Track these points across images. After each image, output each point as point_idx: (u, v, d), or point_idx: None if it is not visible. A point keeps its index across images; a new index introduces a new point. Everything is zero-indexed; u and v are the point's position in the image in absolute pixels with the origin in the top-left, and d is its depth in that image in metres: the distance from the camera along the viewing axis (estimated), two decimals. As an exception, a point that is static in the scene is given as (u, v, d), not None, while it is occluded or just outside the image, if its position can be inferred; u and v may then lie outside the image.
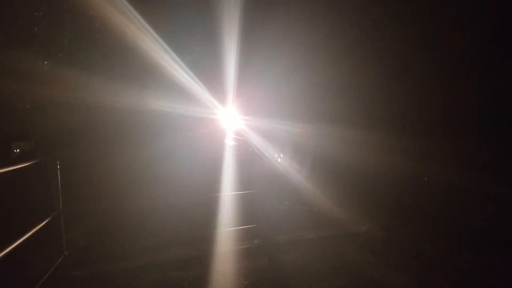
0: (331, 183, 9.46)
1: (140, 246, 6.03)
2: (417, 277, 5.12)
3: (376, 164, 9.68)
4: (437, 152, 9.43)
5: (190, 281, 4.94)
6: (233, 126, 11.79)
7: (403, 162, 9.27)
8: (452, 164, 9.01)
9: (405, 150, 9.47)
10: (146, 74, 9.20)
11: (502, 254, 5.91)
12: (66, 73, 7.96)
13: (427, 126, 9.98)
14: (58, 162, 5.39)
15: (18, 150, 7.33)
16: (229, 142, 11.30)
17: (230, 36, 10.32)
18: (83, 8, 8.09)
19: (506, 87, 9.13)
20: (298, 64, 10.83)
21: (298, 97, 11.12)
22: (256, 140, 11.14)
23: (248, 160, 10.23)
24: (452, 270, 5.33)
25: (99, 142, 8.11)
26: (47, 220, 4.85)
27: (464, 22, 9.41)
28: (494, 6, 9.14)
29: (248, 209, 7.70)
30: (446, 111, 10.01)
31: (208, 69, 10.59)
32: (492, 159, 8.97)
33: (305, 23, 10.52)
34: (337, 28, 10.34)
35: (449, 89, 9.90)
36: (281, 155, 10.99)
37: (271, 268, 5.40)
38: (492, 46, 9.32)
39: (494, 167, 8.75)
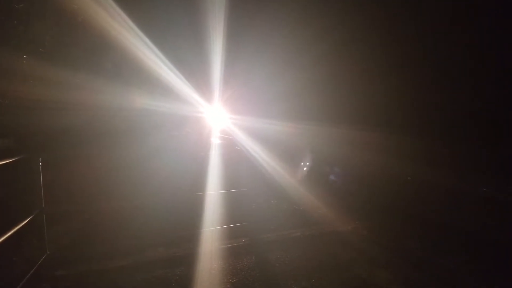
0: (317, 181, 9.51)
1: (126, 245, 5.92)
2: (403, 275, 5.18)
3: (363, 163, 9.77)
4: (423, 152, 9.57)
5: (177, 280, 4.88)
6: (220, 125, 11.75)
7: (389, 161, 9.37)
8: (437, 164, 9.15)
9: (392, 149, 9.58)
10: (131, 72, 9.07)
11: (487, 254, 6.04)
12: (49, 69, 7.78)
13: (413, 126, 10.11)
14: (40, 159, 5.25)
15: (-3, 147, 7.13)
16: (216, 141, 11.25)
17: (217, 33, 10.27)
18: (65, 3, 7.90)
19: (495, 89, 9.31)
20: (285, 63, 10.86)
21: (285, 96, 11.14)
22: (243, 139, 11.11)
23: (235, 158, 10.20)
24: (438, 268, 5.41)
25: (83, 140, 7.95)
26: (29, 218, 4.71)
27: (454, 22, 9.55)
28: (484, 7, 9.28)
29: (235, 207, 7.67)
30: (432, 111, 10.16)
31: (194, 67, 10.52)
32: (477, 160, 9.14)
33: (293, 22, 10.55)
34: (325, 27, 10.39)
35: (435, 89, 10.05)
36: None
37: (258, 266, 5.38)
38: (482, 47, 9.48)
39: (480, 168, 8.92)
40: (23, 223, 4.52)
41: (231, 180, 9.00)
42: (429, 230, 7.14)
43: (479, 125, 9.50)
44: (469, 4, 9.34)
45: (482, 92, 9.41)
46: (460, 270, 5.37)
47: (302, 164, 10.54)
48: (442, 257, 5.79)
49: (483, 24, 9.27)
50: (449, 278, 5.15)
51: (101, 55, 8.75)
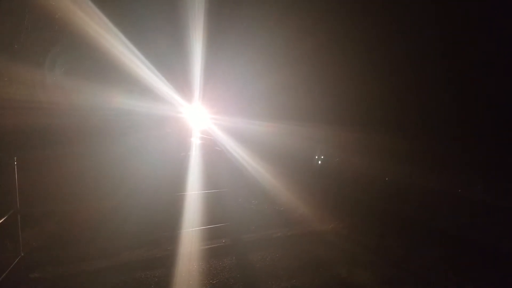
0: (297, 181, 9.56)
1: (103, 247, 5.80)
2: (383, 273, 5.27)
3: (343, 163, 9.88)
4: (401, 152, 9.74)
5: (156, 281, 4.83)
6: (200, 125, 11.67)
7: (369, 162, 9.52)
8: (415, 164, 9.35)
9: (371, 150, 9.73)
10: (109, 71, 8.89)
11: (464, 251, 6.22)
12: (23, 69, 7.56)
13: (393, 127, 10.28)
14: (15, 159, 5.10)
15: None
16: (196, 141, 11.18)
17: (197, 33, 10.20)
18: (39, 3, 7.67)
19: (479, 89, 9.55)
20: (265, 63, 10.87)
21: (265, 96, 11.16)
22: (224, 139, 11.08)
23: (215, 158, 10.15)
24: (416, 266, 5.53)
25: (60, 140, 7.75)
26: (3, 219, 4.57)
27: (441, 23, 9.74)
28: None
29: (216, 208, 7.63)
30: (416, 112, 10.36)
31: (174, 66, 10.42)
32: (456, 160, 9.38)
33: (274, 21, 10.57)
34: (306, 28, 10.45)
35: (419, 90, 10.23)
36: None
37: (239, 267, 5.37)
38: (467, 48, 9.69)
39: (459, 168, 9.17)
40: (-4, 224, 4.39)
41: (211, 180, 8.95)
42: (407, 229, 7.28)
43: (462, 126, 9.74)
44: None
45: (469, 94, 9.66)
46: (437, 267, 5.50)
47: (282, 163, 10.56)
48: (420, 255, 5.91)
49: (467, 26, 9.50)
50: (426, 275, 5.27)
51: (78, 54, 8.55)
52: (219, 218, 7.17)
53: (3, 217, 4.61)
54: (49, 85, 8.06)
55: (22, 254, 5.07)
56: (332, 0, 10.67)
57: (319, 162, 10.44)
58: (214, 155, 10.40)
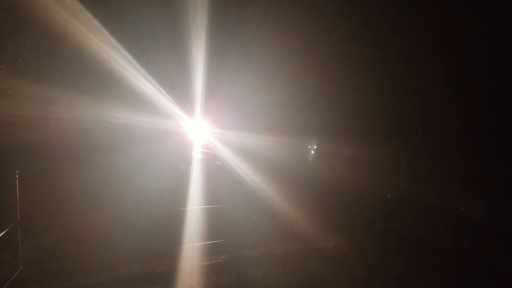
0: (299, 197, 9.54)
1: (102, 261, 5.77)
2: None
3: (345, 179, 9.88)
4: (403, 168, 9.74)
5: (156, 297, 4.79)
6: (201, 139, 11.68)
7: (371, 177, 9.51)
8: (417, 181, 9.34)
9: (373, 166, 9.73)
10: (108, 85, 8.93)
11: (465, 270, 6.18)
12: (24, 83, 7.61)
13: (397, 142, 10.26)
14: (17, 171, 5.11)
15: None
16: (196, 156, 11.18)
17: (199, 47, 10.27)
18: (38, 13, 7.75)
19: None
20: (267, 76, 10.92)
21: (266, 110, 11.20)
22: (224, 153, 11.08)
23: (216, 173, 10.15)
24: (417, 284, 5.50)
25: (61, 154, 7.76)
26: (3, 232, 4.56)
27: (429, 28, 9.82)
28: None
29: (215, 223, 7.59)
30: (419, 123, 10.35)
31: (175, 80, 10.47)
32: (457, 177, 9.35)
33: (276, 36, 10.65)
34: (308, 40, 10.53)
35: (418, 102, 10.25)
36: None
37: (238, 284, 5.35)
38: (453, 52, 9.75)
39: (460, 185, 9.13)
40: (-3, 238, 4.38)
41: (211, 194, 8.93)
42: (408, 246, 7.25)
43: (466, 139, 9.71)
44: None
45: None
46: (438, 286, 5.47)
47: (283, 178, 10.55)
48: (421, 273, 5.88)
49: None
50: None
51: (78, 67, 8.60)
52: (218, 233, 7.13)
53: (3, 230, 4.60)
54: (50, 100, 8.10)
55: (21, 268, 5.05)
56: (335, 12, 10.76)
57: (320, 177, 10.42)
58: (214, 169, 10.39)
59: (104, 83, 8.84)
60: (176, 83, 10.50)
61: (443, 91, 10.09)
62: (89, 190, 7.62)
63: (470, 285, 5.62)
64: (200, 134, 11.79)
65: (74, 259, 5.79)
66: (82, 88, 8.55)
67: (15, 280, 4.78)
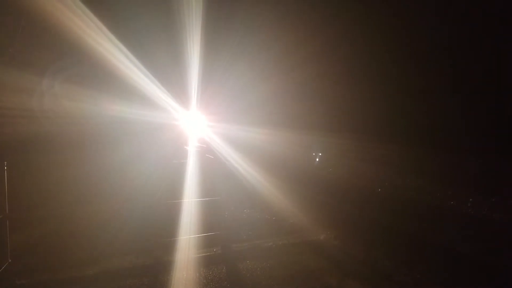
0: (290, 190, 9.55)
1: (94, 253, 5.76)
2: (372, 284, 5.26)
3: (337, 173, 9.90)
4: (395, 163, 9.76)
5: (145, 289, 4.79)
6: (196, 133, 11.65)
7: (363, 171, 9.53)
8: (408, 175, 9.37)
9: (365, 160, 9.74)
10: (104, 78, 8.86)
11: (452, 265, 6.21)
12: (17, 75, 7.53)
13: (389, 136, 10.28)
14: (5, 163, 5.07)
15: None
16: (191, 149, 11.14)
17: (194, 41, 10.21)
18: (35, 8, 7.66)
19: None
20: (263, 70, 10.90)
21: (262, 103, 11.18)
22: (220, 146, 11.07)
23: (211, 166, 10.11)
24: (404, 277, 5.52)
25: (54, 146, 7.70)
26: (-10, 225, 4.53)
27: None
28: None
29: (208, 216, 7.60)
30: (412, 121, 10.36)
31: (170, 74, 10.42)
32: (448, 172, 9.38)
33: (271, 30, 10.62)
34: (305, 34, 10.50)
35: (421, 98, 10.24)
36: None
37: (229, 276, 5.34)
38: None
39: (450, 180, 9.17)
40: (-16, 230, 4.35)
41: (205, 188, 8.91)
42: (397, 240, 7.28)
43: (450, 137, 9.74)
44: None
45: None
46: (425, 279, 5.50)
47: (275, 171, 10.56)
48: (410, 267, 5.91)
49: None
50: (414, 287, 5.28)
51: (73, 60, 8.52)
52: (210, 226, 7.15)
53: (-8, 222, 4.57)
54: (44, 92, 8.02)
55: (10, 261, 5.02)
56: (331, 8, 10.72)
57: (313, 170, 10.44)
58: (208, 163, 10.37)
59: (97, 75, 8.77)
60: (172, 76, 10.46)
61: (450, 90, 10.10)
62: (82, 183, 7.59)
63: (459, 279, 5.65)
64: (194, 128, 11.77)
65: (64, 252, 5.77)
66: (75, 81, 8.47)
67: (3, 272, 4.76)
